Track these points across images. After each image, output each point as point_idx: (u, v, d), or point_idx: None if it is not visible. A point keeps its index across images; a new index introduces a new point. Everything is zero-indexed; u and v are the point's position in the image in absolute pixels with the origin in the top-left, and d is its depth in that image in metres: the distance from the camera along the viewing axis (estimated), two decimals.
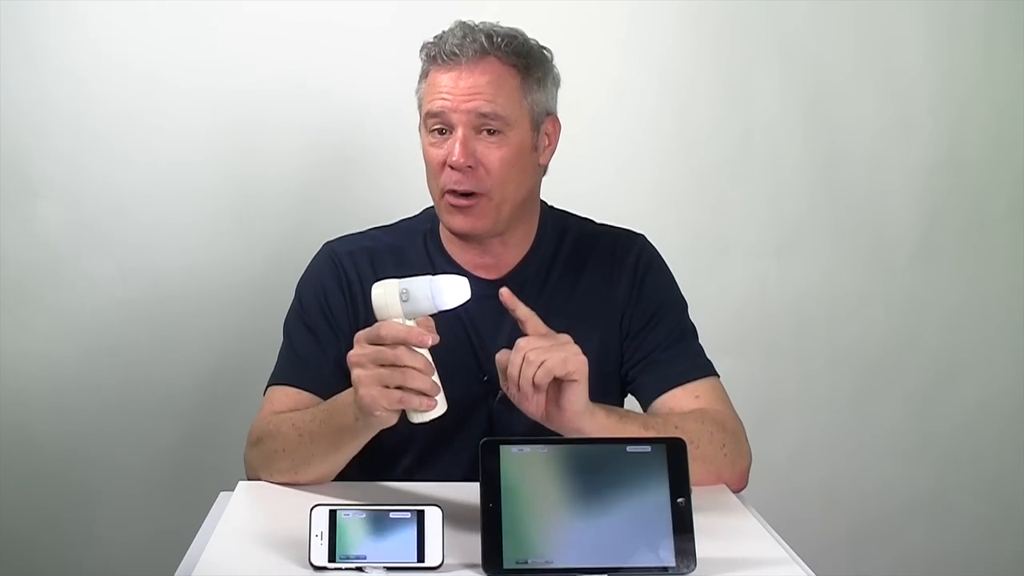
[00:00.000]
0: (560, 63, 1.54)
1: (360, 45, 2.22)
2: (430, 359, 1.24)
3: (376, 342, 1.24)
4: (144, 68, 2.19)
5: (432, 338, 1.23)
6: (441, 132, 1.46)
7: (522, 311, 1.32)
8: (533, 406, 1.29)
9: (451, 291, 1.23)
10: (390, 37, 2.20)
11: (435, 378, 1.25)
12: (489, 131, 1.44)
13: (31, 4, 2.16)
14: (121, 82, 2.19)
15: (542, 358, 1.27)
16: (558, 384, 1.29)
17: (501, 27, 1.47)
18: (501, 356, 1.30)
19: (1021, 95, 2.37)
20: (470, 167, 1.44)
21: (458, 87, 1.43)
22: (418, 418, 1.25)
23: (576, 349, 1.29)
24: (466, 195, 1.46)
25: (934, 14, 2.33)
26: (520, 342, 1.29)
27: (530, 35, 1.52)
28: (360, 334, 1.26)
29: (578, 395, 1.29)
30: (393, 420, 1.27)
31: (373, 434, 1.34)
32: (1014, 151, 2.38)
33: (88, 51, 2.19)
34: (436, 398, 1.24)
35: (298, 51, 2.21)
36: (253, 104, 2.21)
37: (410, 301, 1.23)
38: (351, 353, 1.26)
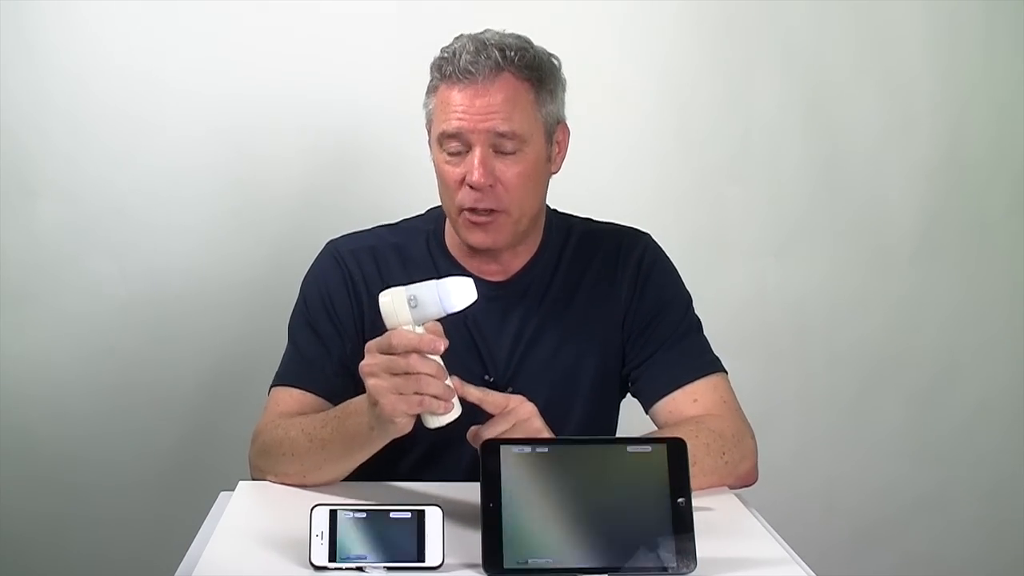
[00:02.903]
0: (560, 63, 1.54)
1: (361, 46, 2.22)
2: (441, 364, 1.24)
3: (388, 351, 1.23)
4: (144, 68, 2.19)
5: (443, 343, 1.23)
6: (457, 151, 1.44)
7: (472, 394, 1.29)
8: None
9: (458, 293, 1.23)
10: (391, 39, 2.20)
11: (448, 382, 1.25)
12: (506, 148, 1.43)
13: (31, 4, 2.16)
14: (121, 82, 2.19)
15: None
16: None
17: (510, 38, 1.45)
18: (472, 432, 1.28)
19: (1021, 95, 2.37)
20: (490, 186, 1.43)
21: (474, 106, 1.41)
22: (434, 422, 1.25)
23: (528, 412, 1.29)
24: (485, 211, 1.45)
25: (934, 14, 2.33)
26: (483, 431, 1.27)
27: (531, 37, 1.51)
28: (371, 344, 1.26)
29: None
30: (409, 427, 1.26)
31: (386, 442, 1.33)
32: (1014, 151, 2.38)
33: (88, 51, 2.19)
34: (453, 401, 1.25)
35: (298, 52, 2.21)
36: (254, 105, 2.21)
37: (419, 307, 1.23)
38: (363, 363, 1.26)
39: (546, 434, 1.30)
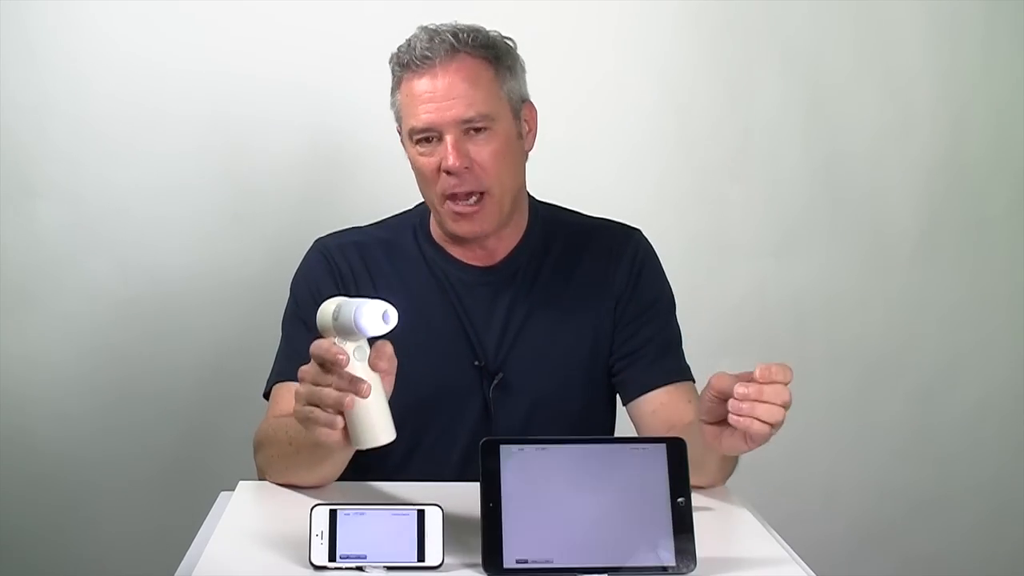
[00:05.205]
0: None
1: (358, 43, 2.22)
2: (372, 384, 1.16)
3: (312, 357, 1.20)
4: (144, 68, 2.19)
5: (345, 359, 1.15)
6: (428, 140, 1.46)
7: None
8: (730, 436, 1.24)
9: (369, 318, 1.14)
10: (388, 36, 2.19)
11: (377, 406, 1.17)
12: (476, 129, 1.45)
13: (31, 4, 2.16)
14: (121, 82, 2.19)
15: (776, 417, 1.28)
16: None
17: (462, 24, 1.48)
18: (721, 381, 1.25)
19: (1021, 95, 2.37)
20: (466, 168, 1.44)
21: (436, 91, 1.43)
22: (360, 444, 1.19)
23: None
24: (469, 199, 1.46)
25: (934, 14, 2.33)
26: (755, 389, 1.27)
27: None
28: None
29: (739, 448, 1.26)
30: (334, 439, 1.19)
31: (342, 455, 1.31)
32: (1014, 151, 2.38)
33: (88, 51, 2.19)
34: (383, 425, 1.18)
35: (297, 50, 2.21)
36: (252, 104, 2.22)
37: (339, 320, 1.17)
38: (302, 368, 1.23)
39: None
